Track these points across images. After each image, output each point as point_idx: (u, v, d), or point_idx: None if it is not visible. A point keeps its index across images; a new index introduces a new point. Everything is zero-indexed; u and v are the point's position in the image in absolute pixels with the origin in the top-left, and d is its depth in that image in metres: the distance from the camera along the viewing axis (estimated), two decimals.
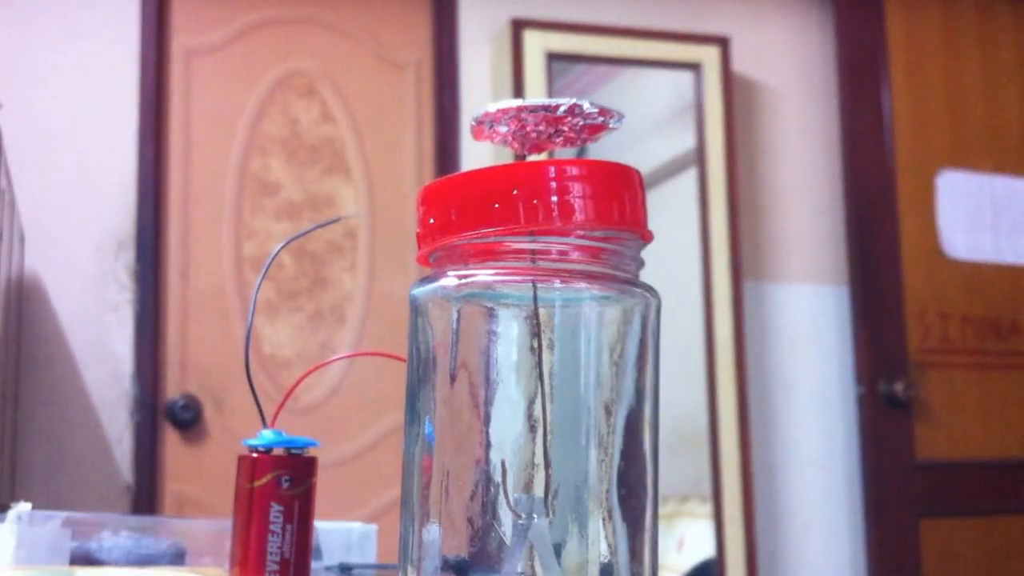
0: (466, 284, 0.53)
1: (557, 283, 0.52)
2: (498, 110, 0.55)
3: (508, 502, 0.51)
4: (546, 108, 0.55)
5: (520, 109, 0.55)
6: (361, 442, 2.57)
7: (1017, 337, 2.94)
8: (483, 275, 0.52)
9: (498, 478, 0.52)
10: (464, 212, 0.53)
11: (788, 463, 2.82)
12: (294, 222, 2.58)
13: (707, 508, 2.67)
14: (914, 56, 2.97)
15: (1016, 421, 2.92)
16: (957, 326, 2.89)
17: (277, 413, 0.67)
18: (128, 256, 2.45)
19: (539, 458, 0.52)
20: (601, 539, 0.52)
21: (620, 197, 0.53)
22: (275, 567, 0.65)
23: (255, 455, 0.66)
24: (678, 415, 2.69)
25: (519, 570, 0.50)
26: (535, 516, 0.51)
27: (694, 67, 2.79)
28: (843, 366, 2.87)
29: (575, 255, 0.52)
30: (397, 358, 0.61)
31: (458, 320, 0.53)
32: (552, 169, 0.52)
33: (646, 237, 0.55)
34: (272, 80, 2.63)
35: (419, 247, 0.55)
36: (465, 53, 2.73)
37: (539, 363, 0.52)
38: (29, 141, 2.38)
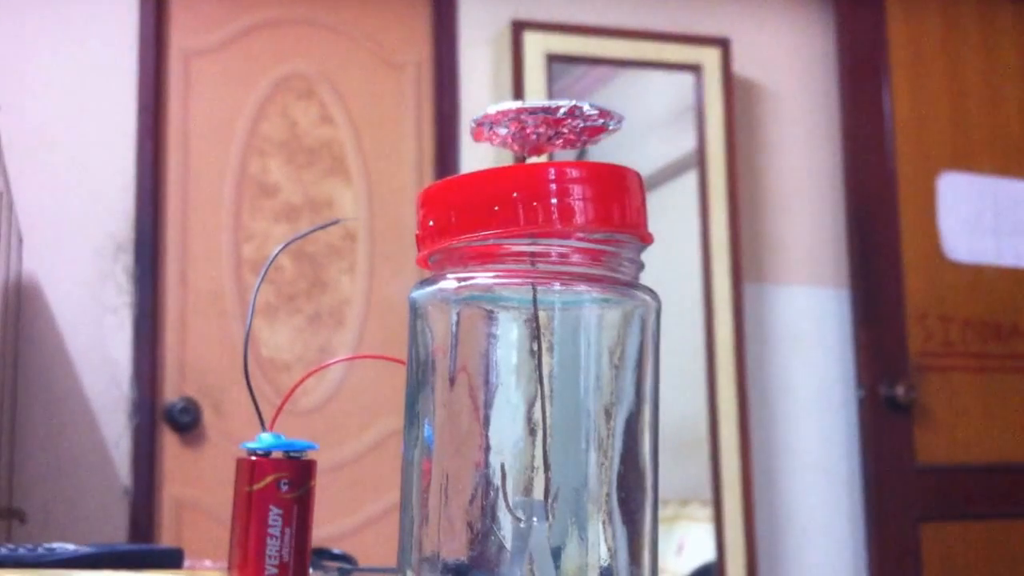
0: (466, 287, 0.52)
1: (557, 286, 0.52)
2: (498, 112, 0.55)
3: (508, 505, 0.51)
4: (546, 110, 0.54)
5: (520, 111, 0.54)
6: (360, 445, 2.57)
7: (1018, 340, 2.94)
8: (483, 278, 0.52)
9: (497, 481, 0.51)
10: (464, 214, 0.52)
11: (788, 466, 2.81)
12: (293, 224, 2.58)
13: (707, 512, 2.67)
14: (915, 58, 2.96)
15: (1017, 424, 2.92)
16: (958, 329, 2.88)
17: (276, 416, 0.67)
18: (127, 258, 2.45)
19: (539, 461, 0.51)
20: (601, 542, 0.52)
21: (620, 199, 0.53)
22: (274, 570, 0.64)
23: (254, 458, 0.66)
24: (678, 418, 2.69)
25: (519, 574, 0.50)
26: (535, 519, 0.51)
27: (694, 69, 2.79)
28: (844, 369, 2.87)
29: (575, 258, 0.52)
30: (396, 361, 0.61)
31: (457, 323, 0.53)
32: (552, 171, 0.52)
33: (646, 239, 0.54)
34: (271, 82, 2.63)
35: (418, 249, 0.55)
36: (465, 55, 2.73)
37: (539, 366, 0.52)
38: (27, 143, 2.38)
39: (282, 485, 0.65)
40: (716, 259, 2.71)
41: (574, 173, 0.52)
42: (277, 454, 0.66)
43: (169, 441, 2.45)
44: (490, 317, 0.54)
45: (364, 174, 2.66)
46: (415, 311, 0.55)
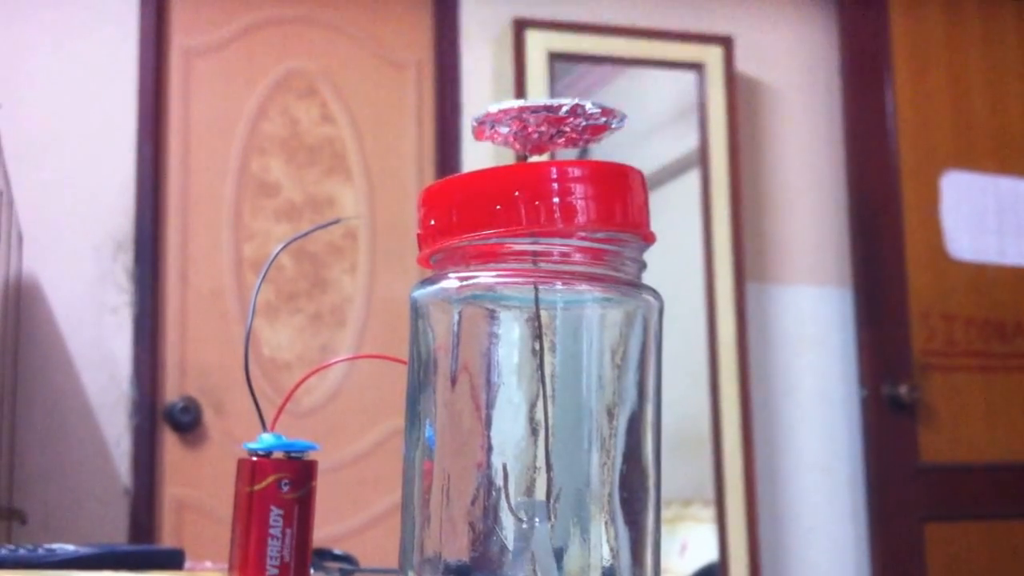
0: (467, 286, 0.52)
1: (559, 285, 0.52)
2: (500, 111, 0.54)
3: (510, 506, 0.50)
4: (548, 108, 0.54)
5: (522, 110, 0.54)
6: (361, 446, 2.57)
7: (1022, 339, 2.93)
8: (484, 277, 0.52)
9: (499, 482, 0.51)
10: (465, 213, 0.52)
11: (791, 466, 2.81)
12: (294, 223, 2.58)
13: (710, 512, 2.66)
14: (918, 56, 2.96)
15: (1021, 423, 2.91)
16: (961, 328, 2.88)
17: (277, 416, 0.67)
18: (127, 258, 2.45)
19: (541, 461, 0.51)
20: (603, 543, 0.52)
21: (622, 198, 0.53)
22: (275, 571, 0.64)
23: (255, 459, 0.65)
24: (680, 418, 2.69)
25: (521, 575, 0.50)
26: (537, 520, 0.50)
27: (697, 67, 2.79)
28: (847, 368, 2.87)
29: (577, 257, 0.52)
30: (398, 361, 0.60)
31: (459, 322, 0.53)
32: (554, 170, 0.52)
33: (648, 238, 0.54)
34: (272, 80, 2.63)
35: (420, 249, 0.55)
36: (467, 53, 2.73)
37: (541, 366, 0.52)
38: (28, 141, 2.37)
39: (283, 485, 0.65)
40: (718, 258, 2.71)
41: (576, 172, 0.52)
42: (278, 454, 0.66)
43: (169, 441, 2.45)
44: (492, 316, 0.53)
45: (365, 173, 2.65)
46: (416, 310, 0.54)
